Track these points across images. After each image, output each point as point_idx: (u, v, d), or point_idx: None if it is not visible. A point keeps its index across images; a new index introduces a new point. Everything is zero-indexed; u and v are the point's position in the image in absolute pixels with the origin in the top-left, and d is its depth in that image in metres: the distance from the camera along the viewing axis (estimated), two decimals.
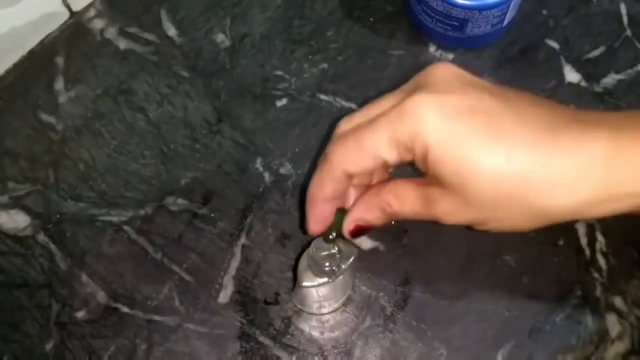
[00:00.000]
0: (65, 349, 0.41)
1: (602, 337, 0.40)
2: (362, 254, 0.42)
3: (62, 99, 0.48)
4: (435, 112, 0.30)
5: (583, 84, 0.48)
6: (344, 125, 0.34)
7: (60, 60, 0.50)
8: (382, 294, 0.42)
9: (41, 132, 0.47)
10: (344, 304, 0.41)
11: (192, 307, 0.42)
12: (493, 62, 0.49)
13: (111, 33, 0.50)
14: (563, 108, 0.32)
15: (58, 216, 0.45)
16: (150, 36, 0.50)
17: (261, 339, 0.41)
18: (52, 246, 0.44)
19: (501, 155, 0.29)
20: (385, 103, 0.33)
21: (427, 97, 0.30)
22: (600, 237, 0.43)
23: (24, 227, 0.44)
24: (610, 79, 0.48)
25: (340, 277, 0.39)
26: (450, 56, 0.49)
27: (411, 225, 0.43)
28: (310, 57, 0.49)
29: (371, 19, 0.51)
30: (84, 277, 0.43)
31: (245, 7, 0.51)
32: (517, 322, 0.41)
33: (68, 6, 0.50)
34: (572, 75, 0.48)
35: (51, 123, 0.48)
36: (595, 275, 0.42)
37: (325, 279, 0.38)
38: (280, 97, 0.48)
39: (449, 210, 0.32)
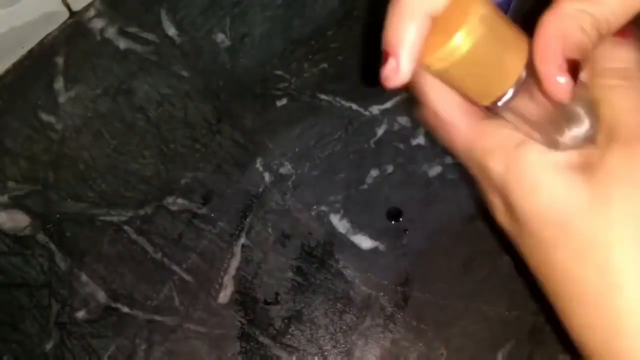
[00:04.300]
0: (65, 349, 0.41)
1: None
2: (362, 254, 0.42)
3: (62, 98, 0.48)
4: None
5: None
6: None
7: (60, 60, 0.50)
8: (382, 293, 0.42)
9: (41, 132, 0.47)
10: None
11: (192, 307, 0.42)
12: None
13: (111, 33, 0.50)
14: None
15: (58, 216, 0.45)
16: (150, 36, 0.50)
17: (261, 339, 0.41)
18: (52, 246, 0.44)
19: None
20: None
21: None
22: None
23: (24, 227, 0.44)
24: None
25: None
26: None
27: (411, 225, 0.43)
28: (310, 57, 0.49)
29: (372, 19, 0.51)
30: (84, 277, 0.43)
31: (245, 7, 0.51)
32: (517, 322, 0.41)
33: (68, 6, 0.50)
34: None
35: (51, 123, 0.48)
36: None
37: None
38: (280, 97, 0.48)
39: None
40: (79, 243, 0.44)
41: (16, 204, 0.45)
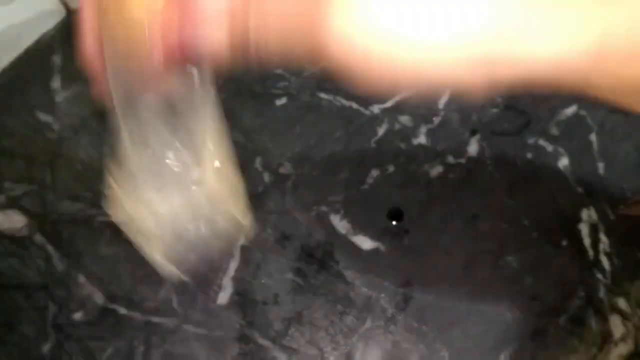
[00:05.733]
0: (62, 350, 0.41)
1: (605, 339, 0.40)
2: (362, 255, 0.42)
3: (59, 98, 0.48)
4: None
5: None
6: None
7: (57, 59, 0.49)
8: (382, 295, 0.41)
9: (38, 132, 0.47)
10: None
11: (190, 308, 0.42)
12: None
13: None
14: None
15: (55, 216, 0.44)
16: None
17: (260, 340, 0.41)
18: (49, 247, 0.43)
19: None
20: None
21: None
22: (603, 238, 0.42)
23: (21, 228, 0.44)
24: None
25: None
26: None
27: (412, 225, 0.43)
28: None
29: None
30: (81, 278, 0.42)
31: None
32: (519, 324, 0.40)
33: (65, 4, 0.50)
34: None
35: (48, 122, 0.47)
36: (599, 276, 0.41)
37: None
38: (279, 96, 0.48)
39: None
40: (76, 244, 0.43)
41: (13, 204, 0.45)
